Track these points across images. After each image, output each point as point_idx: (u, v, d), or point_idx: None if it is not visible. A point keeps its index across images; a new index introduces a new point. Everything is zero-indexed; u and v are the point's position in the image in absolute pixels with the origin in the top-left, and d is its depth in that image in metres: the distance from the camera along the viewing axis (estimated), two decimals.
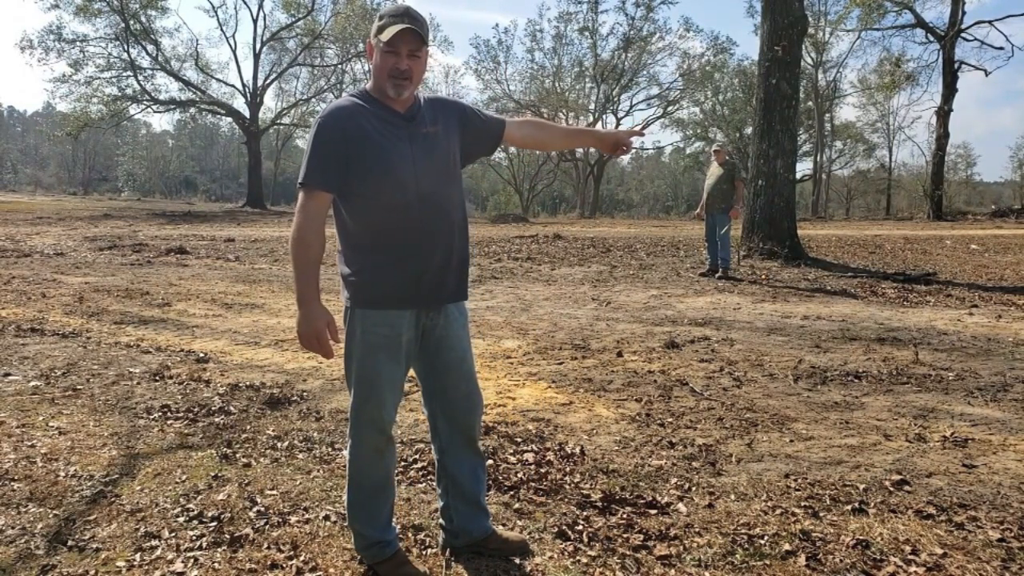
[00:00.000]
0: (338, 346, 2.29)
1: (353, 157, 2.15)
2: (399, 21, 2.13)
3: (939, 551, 2.59)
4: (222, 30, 54.16)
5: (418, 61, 2.19)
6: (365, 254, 2.23)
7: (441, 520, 2.55)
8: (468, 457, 2.48)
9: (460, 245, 2.32)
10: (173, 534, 2.61)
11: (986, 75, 29.98)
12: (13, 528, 2.62)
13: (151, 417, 3.87)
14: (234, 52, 78.99)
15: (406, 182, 2.17)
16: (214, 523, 2.69)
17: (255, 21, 36.01)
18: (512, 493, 3.00)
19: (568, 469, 3.27)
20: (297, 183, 2.17)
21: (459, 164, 2.37)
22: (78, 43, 31.11)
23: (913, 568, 2.47)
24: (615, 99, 43.24)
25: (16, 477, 3.04)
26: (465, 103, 2.48)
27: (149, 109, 33.93)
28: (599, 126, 44.98)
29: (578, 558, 2.51)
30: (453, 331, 2.35)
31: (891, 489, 3.12)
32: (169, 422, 3.80)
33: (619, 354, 5.52)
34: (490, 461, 3.26)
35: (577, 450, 3.49)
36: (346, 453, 2.41)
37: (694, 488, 3.10)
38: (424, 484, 3.09)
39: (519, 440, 3.62)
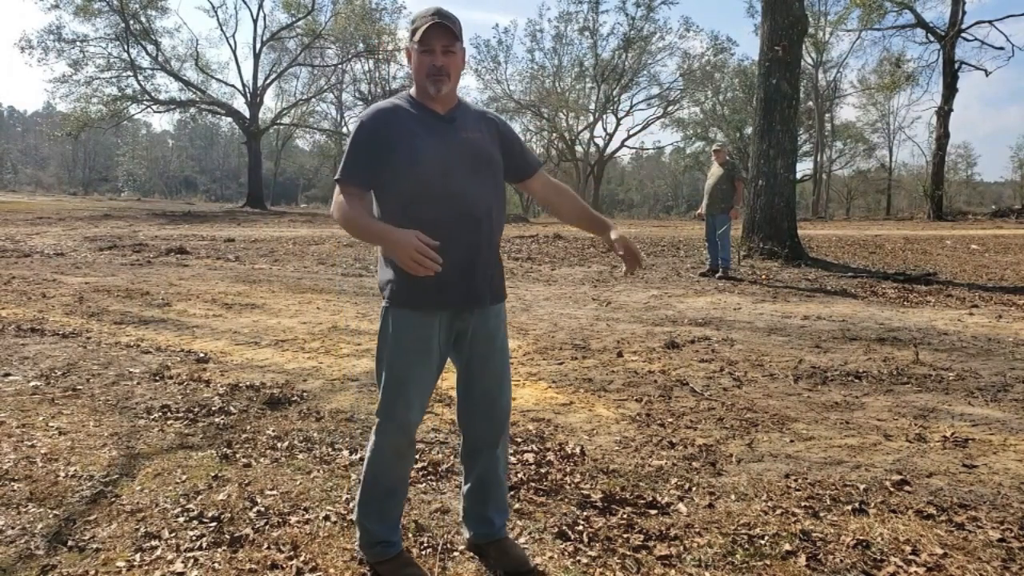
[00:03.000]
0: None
1: (386, 156, 2.21)
2: (429, 19, 2.19)
3: (939, 551, 2.59)
4: (222, 30, 54.11)
5: (453, 57, 2.22)
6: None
7: (462, 504, 2.57)
8: (488, 459, 2.47)
9: (489, 250, 2.31)
10: (173, 534, 2.61)
11: (986, 75, 30.01)
12: (13, 528, 2.62)
13: (151, 417, 3.86)
14: (234, 52, 79.05)
15: (433, 182, 2.20)
16: (214, 523, 2.68)
17: (255, 21, 36.03)
18: (512, 493, 3.00)
19: (568, 469, 3.27)
20: (334, 178, 2.27)
21: (500, 171, 2.35)
22: (78, 43, 31.12)
23: (913, 568, 2.47)
24: (615, 99, 43.25)
25: (16, 477, 3.04)
26: (511, 128, 2.46)
27: (149, 109, 33.93)
28: (599, 127, 44.93)
29: (578, 558, 2.51)
30: (484, 333, 2.35)
31: (891, 489, 3.12)
32: (169, 422, 3.79)
33: (619, 354, 5.51)
34: None
35: (577, 450, 3.49)
36: (368, 449, 2.41)
37: (694, 488, 3.10)
38: (424, 484, 3.08)
39: (519, 440, 3.62)
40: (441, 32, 2.18)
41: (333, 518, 2.74)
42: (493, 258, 2.34)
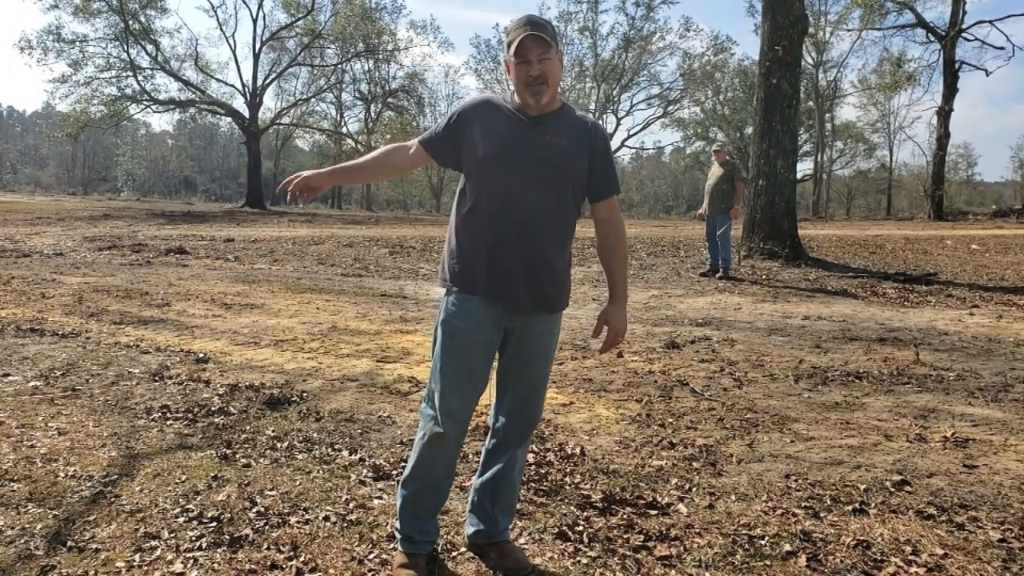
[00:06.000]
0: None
1: (458, 140, 2.34)
2: (522, 30, 2.22)
3: (940, 552, 2.58)
4: (222, 30, 53.98)
5: (550, 63, 2.24)
6: (453, 235, 2.36)
7: (471, 496, 2.58)
8: (507, 458, 2.48)
9: (537, 256, 2.29)
10: (173, 535, 2.60)
11: (987, 75, 30.12)
12: (13, 528, 2.61)
13: (151, 417, 3.86)
14: (234, 52, 78.88)
15: (492, 178, 2.27)
16: (214, 524, 2.68)
17: (255, 21, 35.95)
18: None
19: (568, 470, 3.27)
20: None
21: (575, 182, 2.32)
22: (77, 43, 31.04)
23: (914, 569, 2.47)
24: (615, 99, 43.28)
25: (16, 477, 3.04)
26: (608, 147, 2.41)
27: (149, 109, 33.86)
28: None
29: (578, 559, 2.51)
30: (528, 338, 2.36)
31: (892, 489, 3.11)
32: (169, 422, 3.79)
33: (619, 354, 5.51)
34: None
35: (577, 450, 3.49)
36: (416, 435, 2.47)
37: (695, 489, 3.09)
38: None
39: None
40: (535, 42, 2.21)
41: (333, 518, 2.74)
42: (543, 266, 2.31)
